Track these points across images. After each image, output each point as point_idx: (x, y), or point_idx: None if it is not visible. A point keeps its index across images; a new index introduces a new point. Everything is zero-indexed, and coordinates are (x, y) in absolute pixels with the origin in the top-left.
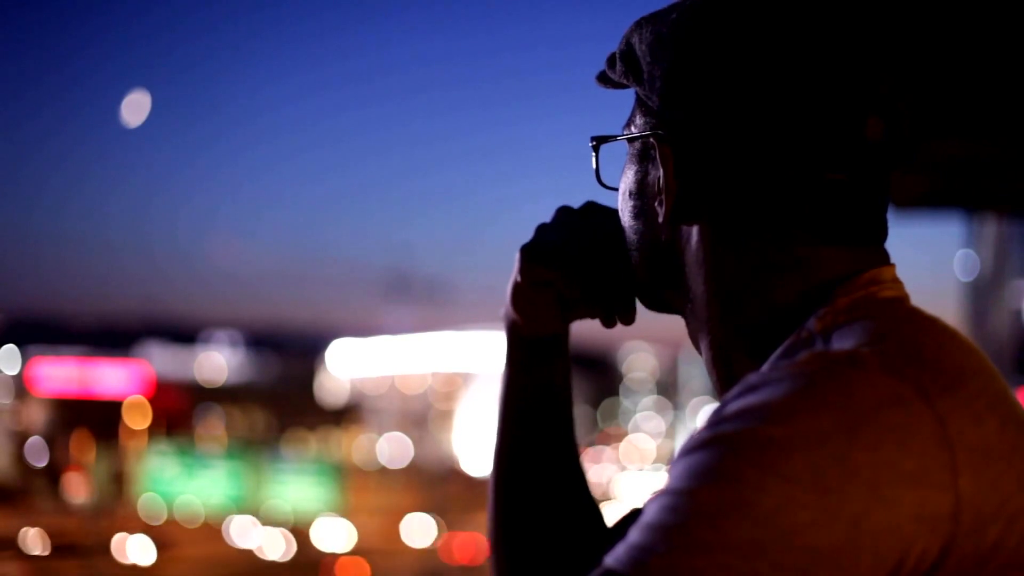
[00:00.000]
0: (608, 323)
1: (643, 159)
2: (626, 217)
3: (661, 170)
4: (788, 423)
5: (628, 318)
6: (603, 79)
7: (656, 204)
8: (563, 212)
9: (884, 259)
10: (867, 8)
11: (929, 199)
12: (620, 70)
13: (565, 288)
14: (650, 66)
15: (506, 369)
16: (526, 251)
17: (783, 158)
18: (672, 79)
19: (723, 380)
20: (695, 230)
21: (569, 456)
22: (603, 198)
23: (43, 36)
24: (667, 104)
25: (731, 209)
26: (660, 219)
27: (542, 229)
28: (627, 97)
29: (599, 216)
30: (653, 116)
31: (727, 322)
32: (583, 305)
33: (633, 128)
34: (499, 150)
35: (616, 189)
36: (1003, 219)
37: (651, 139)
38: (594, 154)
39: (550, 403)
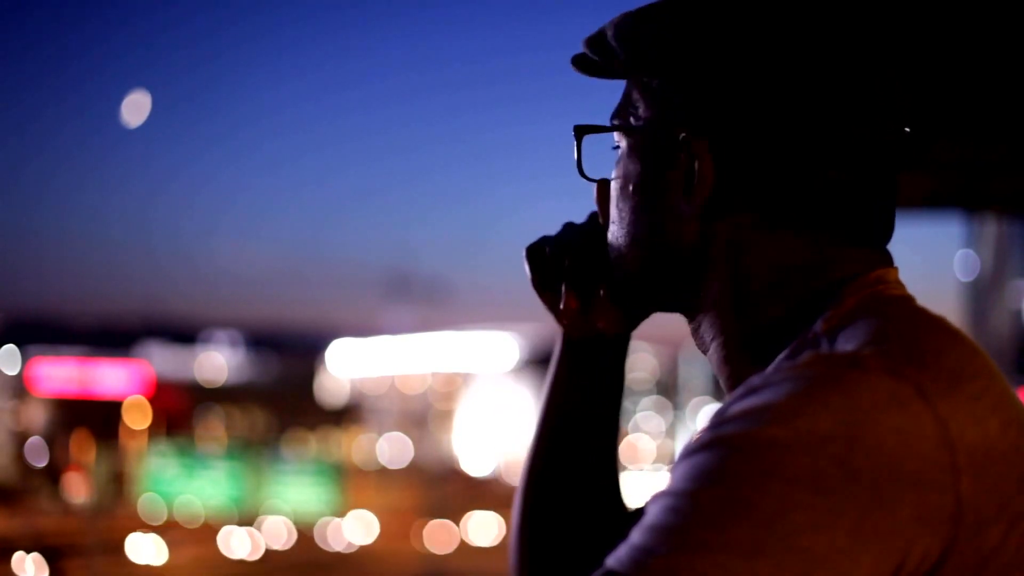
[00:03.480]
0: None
1: (654, 151)
2: (627, 212)
3: (696, 162)
4: (789, 425)
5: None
6: (584, 64)
7: (681, 199)
8: (567, 229)
9: (889, 260)
10: (878, 10)
11: (929, 199)
12: (623, 58)
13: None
14: (674, 58)
15: (552, 365)
16: (528, 251)
17: (820, 156)
18: (708, 72)
19: (733, 379)
20: (722, 226)
21: (604, 459)
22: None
23: (42, 36)
24: (701, 97)
25: (767, 205)
26: (686, 214)
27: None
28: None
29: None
30: (673, 107)
31: (742, 321)
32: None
33: (633, 119)
34: (501, 151)
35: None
36: (1003, 219)
37: (680, 131)
38: (576, 145)
39: (591, 404)
